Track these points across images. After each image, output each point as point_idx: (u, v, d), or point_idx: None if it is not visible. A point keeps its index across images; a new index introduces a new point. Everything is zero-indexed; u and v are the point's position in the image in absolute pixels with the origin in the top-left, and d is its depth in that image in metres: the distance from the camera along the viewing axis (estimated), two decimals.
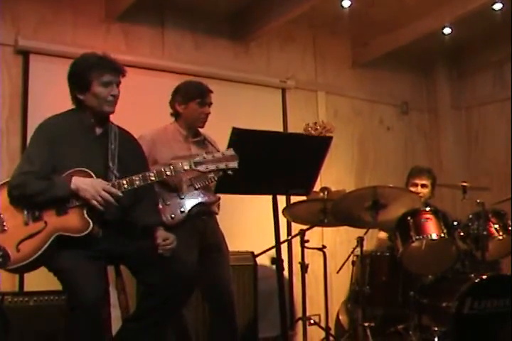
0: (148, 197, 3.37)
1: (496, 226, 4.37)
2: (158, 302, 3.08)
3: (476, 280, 4.08)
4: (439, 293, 4.30)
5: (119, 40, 5.19)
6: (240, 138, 3.13)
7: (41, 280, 4.16)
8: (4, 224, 2.98)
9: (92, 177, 3.07)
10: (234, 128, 3.13)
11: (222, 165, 3.00)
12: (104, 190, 3.00)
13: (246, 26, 5.71)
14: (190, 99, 3.99)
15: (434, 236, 4.22)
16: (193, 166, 3.04)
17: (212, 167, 3.01)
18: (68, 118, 3.26)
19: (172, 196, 3.84)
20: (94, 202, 3.00)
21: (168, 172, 3.09)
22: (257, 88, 5.67)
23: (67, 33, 4.96)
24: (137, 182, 3.07)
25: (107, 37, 5.14)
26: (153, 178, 3.08)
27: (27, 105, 4.69)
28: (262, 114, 5.51)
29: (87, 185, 3.01)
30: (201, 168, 3.03)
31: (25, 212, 3.01)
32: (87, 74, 3.17)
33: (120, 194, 3.05)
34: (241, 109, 4.95)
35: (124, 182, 3.06)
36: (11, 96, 4.69)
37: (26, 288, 4.39)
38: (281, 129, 5.72)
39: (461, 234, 4.37)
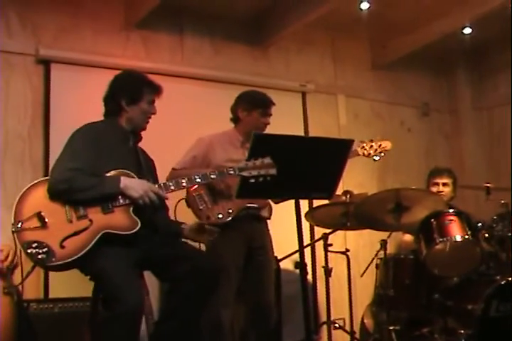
0: (164, 205, 3.43)
1: None
2: (183, 296, 3.11)
3: (502, 282, 4.03)
4: (464, 295, 4.26)
5: (138, 47, 5.23)
6: (261, 142, 3.14)
7: (66, 287, 4.21)
8: (46, 220, 2.97)
9: (135, 178, 3.16)
10: (255, 133, 3.16)
11: (263, 172, 3.10)
12: (152, 191, 3.08)
13: (264, 31, 5.73)
14: (254, 108, 4.13)
15: (458, 238, 4.19)
16: (237, 171, 3.14)
17: (254, 173, 3.11)
18: (107, 126, 3.35)
19: (222, 197, 3.94)
20: (141, 202, 3.06)
21: (212, 176, 3.21)
22: (277, 92, 5.64)
23: (87, 42, 5.01)
24: (184, 184, 3.17)
25: (126, 44, 5.18)
26: (198, 180, 3.19)
27: (49, 113, 4.74)
28: (283, 118, 5.46)
29: (136, 184, 3.09)
30: (245, 173, 3.12)
31: (68, 209, 3.02)
32: (142, 90, 3.37)
33: (166, 196, 3.16)
34: None
35: (170, 183, 3.15)
36: (33, 104, 4.74)
37: (51, 295, 4.41)
38: (302, 133, 5.72)
39: (486, 235, 4.32)
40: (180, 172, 3.89)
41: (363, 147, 4.17)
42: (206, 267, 3.18)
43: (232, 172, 3.17)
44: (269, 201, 4.13)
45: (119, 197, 3.08)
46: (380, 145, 4.15)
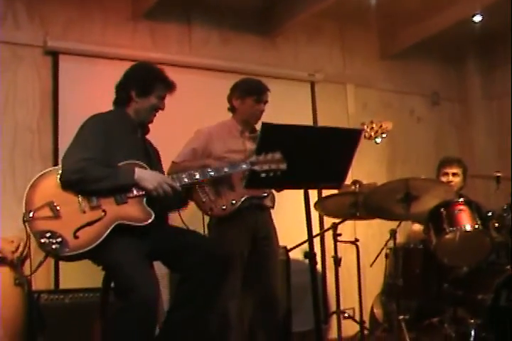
0: None
1: None
2: (194, 285, 3.11)
3: None
4: (474, 285, 4.26)
5: (146, 38, 5.23)
6: (270, 132, 3.13)
7: (76, 278, 4.23)
8: (58, 210, 2.97)
9: (147, 169, 3.17)
10: (264, 123, 3.15)
11: (274, 166, 3.13)
12: (166, 183, 3.09)
13: (272, 20, 5.71)
14: (247, 95, 4.07)
15: (468, 228, 4.18)
16: (249, 165, 3.18)
17: (266, 167, 3.14)
18: (116, 116, 3.35)
19: (224, 188, 3.90)
20: (155, 194, 3.07)
21: (226, 170, 3.22)
22: (286, 82, 5.66)
23: (95, 33, 5.01)
24: (196, 177, 3.18)
25: (134, 35, 5.18)
26: (212, 173, 3.20)
27: (57, 105, 4.75)
28: (292, 108, 5.50)
29: (150, 176, 3.10)
30: (256, 168, 3.15)
31: (81, 200, 3.01)
32: (153, 84, 3.36)
33: (179, 188, 3.15)
34: (270, 103, 4.93)
35: (184, 175, 3.16)
36: (41, 96, 4.75)
37: (62, 286, 4.44)
38: (311, 123, 5.71)
39: (496, 224, 4.31)
40: (181, 165, 3.88)
41: (363, 128, 4.10)
42: (216, 255, 3.18)
43: (244, 166, 3.19)
44: (272, 190, 4.10)
45: (133, 188, 3.08)
46: (381, 126, 4.07)
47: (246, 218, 3.94)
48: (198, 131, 4.11)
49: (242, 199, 3.90)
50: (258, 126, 4.12)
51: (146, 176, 3.09)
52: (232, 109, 4.16)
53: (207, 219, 4.07)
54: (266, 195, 4.02)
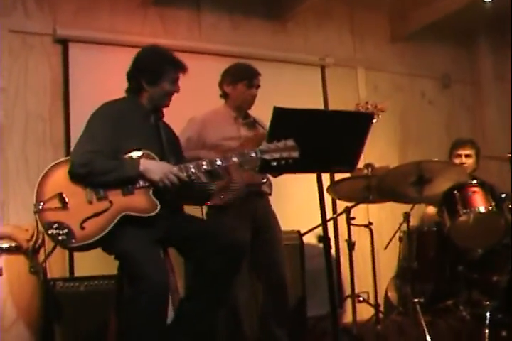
0: None
1: None
2: (208, 276, 3.12)
3: None
4: (488, 267, 4.26)
5: (156, 24, 5.21)
6: (281, 117, 3.13)
7: (91, 266, 4.25)
8: (66, 201, 2.99)
9: (155, 160, 3.16)
10: (275, 108, 3.14)
11: (285, 154, 3.09)
12: (172, 174, 3.07)
13: (282, 5, 5.67)
14: (238, 81, 4.02)
15: (482, 209, 4.16)
16: (259, 154, 3.12)
17: (276, 155, 3.10)
18: (127, 104, 3.34)
19: (220, 177, 3.84)
20: (161, 185, 3.06)
21: (234, 159, 3.15)
22: (296, 66, 5.64)
23: (105, 20, 5.00)
24: (204, 167, 3.14)
25: (144, 22, 5.16)
26: (219, 163, 3.15)
27: (68, 93, 4.75)
28: (302, 92, 5.48)
29: (156, 167, 3.09)
30: (267, 156, 3.11)
31: (88, 191, 3.03)
32: (162, 70, 3.32)
33: (186, 178, 3.12)
34: (281, 88, 4.93)
35: (191, 165, 3.13)
36: (52, 84, 4.75)
37: (76, 274, 4.46)
38: (322, 107, 5.69)
39: (510, 206, 4.29)
40: None
41: (358, 109, 4.01)
42: (229, 245, 3.17)
43: (253, 154, 3.14)
44: (269, 176, 4.01)
45: (139, 179, 3.08)
46: (376, 107, 4.03)
47: (245, 206, 3.88)
48: (191, 120, 4.06)
49: (240, 187, 3.85)
50: (251, 112, 4.12)
51: (151, 167, 3.08)
52: (224, 95, 4.12)
53: (205, 207, 4.06)
54: (264, 181, 3.99)
